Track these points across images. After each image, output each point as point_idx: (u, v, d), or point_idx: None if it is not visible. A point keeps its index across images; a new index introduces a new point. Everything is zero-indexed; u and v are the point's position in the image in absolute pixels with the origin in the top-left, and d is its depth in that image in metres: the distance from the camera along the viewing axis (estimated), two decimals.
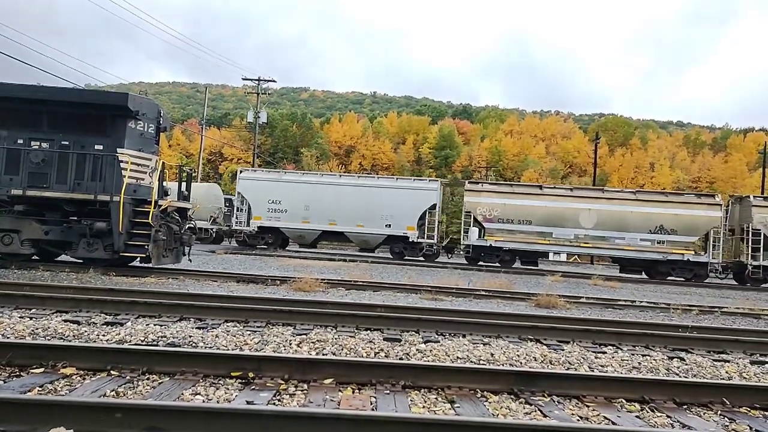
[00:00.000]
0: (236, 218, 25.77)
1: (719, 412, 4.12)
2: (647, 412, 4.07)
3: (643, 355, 6.11)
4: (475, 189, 24.36)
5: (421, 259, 24.12)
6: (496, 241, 23.15)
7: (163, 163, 12.74)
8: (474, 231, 23.57)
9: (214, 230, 27.71)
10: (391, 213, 24.15)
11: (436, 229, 24.57)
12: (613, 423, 3.73)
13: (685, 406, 4.21)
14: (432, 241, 24.37)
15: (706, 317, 10.49)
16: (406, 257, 24.34)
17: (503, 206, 23.41)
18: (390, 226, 24.23)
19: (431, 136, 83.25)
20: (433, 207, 24.47)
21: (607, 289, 16.29)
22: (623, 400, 4.22)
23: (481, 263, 23.19)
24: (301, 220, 24.68)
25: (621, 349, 6.42)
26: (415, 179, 28.90)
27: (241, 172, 26.79)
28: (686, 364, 5.80)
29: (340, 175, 28.27)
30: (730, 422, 3.95)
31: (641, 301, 12.09)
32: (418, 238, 24.21)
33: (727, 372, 5.60)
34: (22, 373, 4.03)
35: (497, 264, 23.13)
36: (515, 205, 23.42)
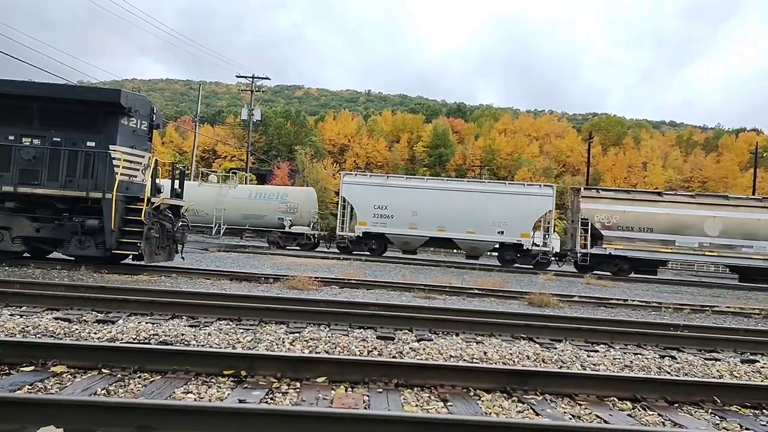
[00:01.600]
0: (340, 223, 25.06)
1: (710, 411, 4.15)
2: (639, 410, 4.09)
3: (635, 354, 6.14)
4: (592, 196, 23.74)
5: (530, 267, 23.09)
6: (615, 249, 22.61)
7: (156, 160, 12.66)
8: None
9: (316, 235, 27.14)
10: (504, 219, 23.27)
11: (550, 236, 23.88)
12: (605, 421, 3.75)
13: (677, 405, 4.23)
14: (546, 248, 23.62)
15: (697, 316, 10.56)
16: (516, 265, 23.30)
17: (623, 213, 22.83)
18: (503, 232, 23.33)
19: (425, 135, 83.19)
20: (548, 213, 23.86)
21: (600, 288, 16.36)
22: (615, 399, 4.24)
23: (595, 272, 22.55)
24: (409, 226, 23.83)
25: (613, 348, 6.46)
26: (526, 184, 27.75)
27: (344, 176, 25.90)
28: (678, 363, 5.84)
29: (447, 180, 27.54)
30: (721, 420, 3.97)
31: (633, 300, 12.15)
32: (532, 245, 23.46)
33: (718, 370, 5.64)
34: (11, 371, 4.00)
35: (609, 273, 22.51)
36: (635, 212, 22.78)
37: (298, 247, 25.92)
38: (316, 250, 26.28)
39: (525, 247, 23.32)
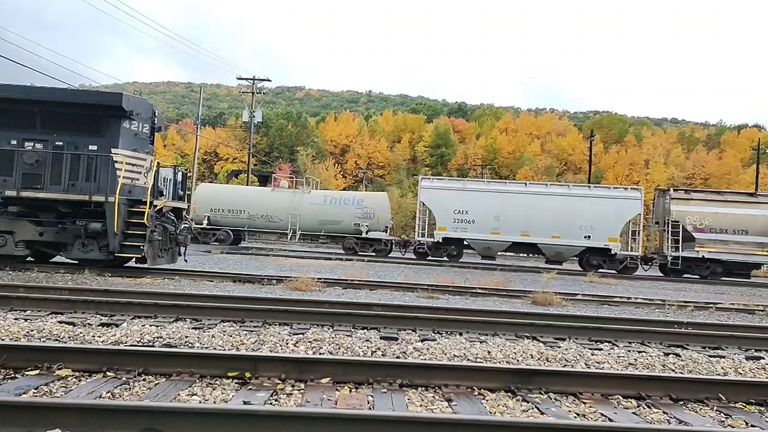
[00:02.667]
0: (418, 228, 24.54)
1: (715, 408, 4.15)
2: (644, 408, 4.08)
3: (639, 352, 6.13)
4: (682, 197, 23.34)
5: (613, 272, 22.55)
6: (708, 251, 22.19)
7: (158, 163, 12.69)
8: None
9: (393, 240, 26.61)
10: (590, 224, 22.80)
11: (639, 240, 23.55)
12: (610, 419, 3.74)
13: (682, 402, 4.23)
14: (634, 253, 23.25)
15: (701, 313, 10.53)
16: (602, 270, 22.66)
17: (715, 215, 22.45)
18: (589, 237, 22.88)
19: (427, 135, 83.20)
20: (637, 217, 23.47)
21: (603, 286, 16.34)
22: (620, 397, 4.24)
23: (687, 275, 22.36)
24: (491, 231, 23.34)
25: (617, 346, 6.45)
26: (612, 187, 27.08)
27: (422, 180, 25.48)
28: (682, 360, 5.83)
29: (530, 183, 26.83)
30: (726, 417, 3.97)
31: (637, 298, 12.14)
32: (620, 249, 23.08)
33: (722, 368, 5.63)
34: (17, 376, 4.01)
35: (697, 276, 22.32)
36: (729, 214, 22.39)
37: (373, 253, 25.30)
38: (389, 255, 25.66)
39: (612, 252, 22.85)
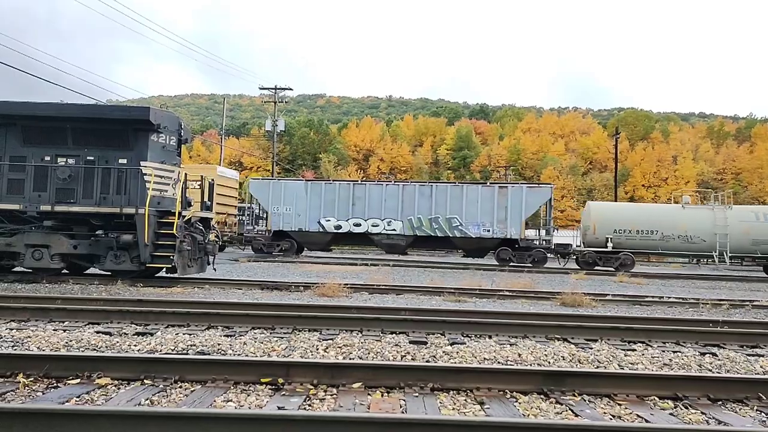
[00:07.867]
0: None
1: (755, 408, 4.05)
2: (681, 409, 4.01)
3: (673, 352, 6.02)
4: None
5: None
6: None
7: (186, 174, 12.94)
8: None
9: None
10: None
11: None
12: (647, 421, 3.69)
13: (720, 403, 4.14)
14: None
15: (737, 311, 10.27)
16: None
17: None
18: None
19: (449, 138, 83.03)
20: None
21: (634, 285, 16.05)
22: (656, 398, 4.17)
23: None
24: None
25: (651, 346, 6.34)
26: None
27: None
28: (719, 360, 5.70)
29: None
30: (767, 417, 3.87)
31: (669, 297, 11.90)
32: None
33: (761, 366, 5.50)
34: (59, 384, 4.14)
35: None
36: None
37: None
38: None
39: None
